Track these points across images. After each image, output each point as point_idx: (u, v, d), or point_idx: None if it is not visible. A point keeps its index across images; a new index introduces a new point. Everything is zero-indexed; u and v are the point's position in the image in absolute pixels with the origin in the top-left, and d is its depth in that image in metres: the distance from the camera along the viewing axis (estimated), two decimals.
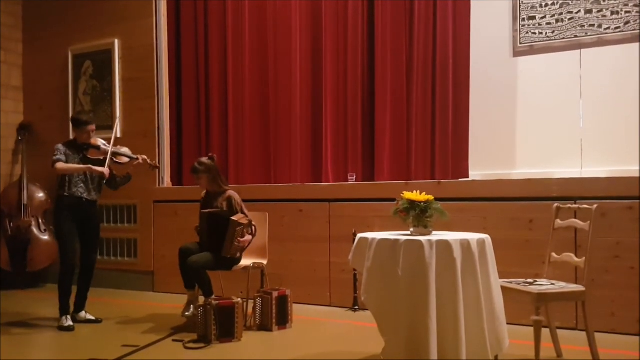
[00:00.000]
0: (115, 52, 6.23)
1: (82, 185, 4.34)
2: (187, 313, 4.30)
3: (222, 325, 3.83)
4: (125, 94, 6.20)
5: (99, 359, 3.45)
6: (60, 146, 4.33)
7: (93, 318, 4.46)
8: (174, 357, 3.57)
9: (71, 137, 4.74)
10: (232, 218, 4.14)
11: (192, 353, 3.64)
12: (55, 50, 6.64)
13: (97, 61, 6.37)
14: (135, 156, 4.57)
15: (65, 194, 4.31)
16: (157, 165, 4.67)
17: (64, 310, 4.33)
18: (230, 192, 4.42)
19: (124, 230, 6.14)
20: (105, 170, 4.28)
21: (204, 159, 4.46)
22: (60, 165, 4.21)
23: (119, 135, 5.98)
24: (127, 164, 4.55)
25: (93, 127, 4.44)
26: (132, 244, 6.10)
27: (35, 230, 6.10)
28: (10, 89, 6.78)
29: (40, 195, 6.26)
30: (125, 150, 4.60)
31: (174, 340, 3.91)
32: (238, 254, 4.29)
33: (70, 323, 4.29)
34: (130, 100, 6.17)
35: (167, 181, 6.04)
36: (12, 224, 6.09)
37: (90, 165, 4.28)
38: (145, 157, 4.60)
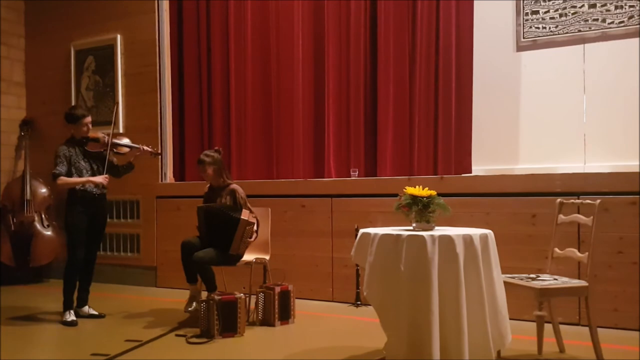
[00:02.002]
0: (117, 47, 6.23)
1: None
2: (189, 308, 4.31)
3: (225, 320, 3.84)
4: (128, 89, 6.20)
5: (102, 354, 3.46)
6: (61, 152, 4.32)
7: (96, 313, 4.48)
8: (176, 351, 3.58)
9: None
10: (242, 217, 4.15)
11: (195, 348, 3.65)
12: (57, 45, 6.64)
13: (100, 56, 6.37)
14: (136, 145, 4.59)
15: (79, 188, 4.32)
16: (159, 151, 4.69)
17: (67, 305, 4.35)
18: (234, 186, 4.42)
19: (126, 225, 6.15)
20: (103, 180, 4.33)
21: (210, 151, 4.48)
22: (61, 180, 4.25)
23: (121, 131, 6.00)
24: (128, 153, 4.58)
25: (89, 119, 4.44)
26: (135, 239, 6.11)
27: (38, 225, 6.11)
28: (13, 84, 6.78)
29: (43, 190, 6.26)
30: (125, 140, 4.62)
31: (176, 335, 3.92)
32: (244, 252, 4.31)
33: (74, 318, 4.30)
34: (132, 96, 6.17)
35: (169, 176, 6.04)
36: (15, 220, 6.10)
37: (89, 178, 4.31)
38: (145, 146, 4.61)
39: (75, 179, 4.30)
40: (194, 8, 6.09)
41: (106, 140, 4.44)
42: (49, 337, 4.06)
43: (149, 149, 4.64)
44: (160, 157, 4.68)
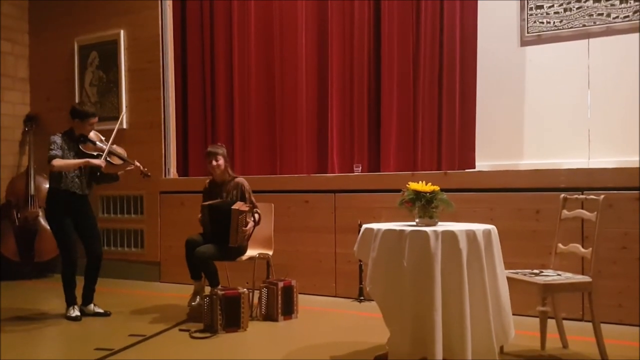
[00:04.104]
0: (121, 43, 6.23)
1: (77, 180, 4.29)
2: (193, 303, 4.32)
3: (228, 315, 3.85)
4: (131, 85, 6.21)
5: (106, 348, 3.47)
6: (56, 139, 4.25)
7: (102, 311, 4.44)
8: (180, 346, 3.59)
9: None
10: (233, 207, 4.15)
11: (199, 342, 3.66)
12: (61, 41, 6.65)
13: (103, 52, 6.38)
14: (129, 160, 4.48)
15: (61, 188, 4.26)
16: (149, 173, 4.58)
17: (70, 301, 4.35)
18: (240, 179, 4.45)
19: (130, 221, 6.17)
20: (102, 162, 4.24)
21: (219, 145, 4.51)
22: (57, 162, 4.13)
23: (124, 127, 6.01)
24: (119, 165, 4.47)
25: (96, 119, 4.39)
26: (138, 234, 6.12)
27: (42, 220, 6.13)
28: (17, 80, 6.80)
29: (47, 185, 6.26)
30: (121, 151, 4.51)
31: (180, 330, 3.93)
32: (245, 242, 4.30)
33: (77, 313, 4.31)
34: (136, 91, 6.17)
35: (173, 172, 6.05)
36: (19, 215, 6.13)
37: (88, 159, 4.22)
38: (138, 163, 4.49)
39: (73, 161, 4.20)
40: (197, 4, 6.09)
41: (103, 145, 4.36)
42: (53, 332, 4.07)
43: (141, 168, 4.49)
44: (149, 177, 4.56)
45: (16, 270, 6.15)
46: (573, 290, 3.25)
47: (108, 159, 4.40)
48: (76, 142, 4.34)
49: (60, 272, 4.37)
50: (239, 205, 4.19)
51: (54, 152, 4.17)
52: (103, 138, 4.47)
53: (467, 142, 4.90)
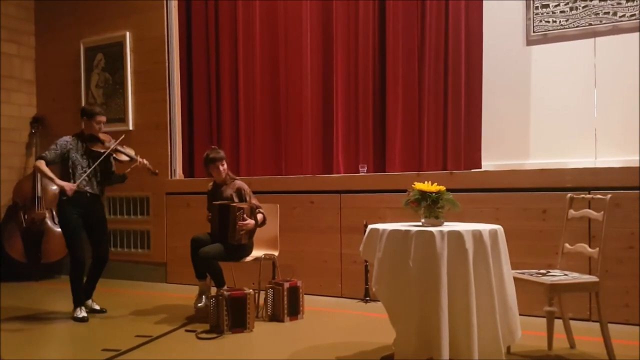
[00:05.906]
0: (126, 45, 6.25)
1: (86, 178, 4.33)
2: (199, 304, 4.33)
3: (234, 315, 3.86)
4: (137, 86, 6.23)
5: (112, 349, 3.48)
6: (60, 141, 4.34)
7: (98, 308, 4.48)
8: (186, 347, 3.59)
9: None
10: (231, 204, 4.18)
11: (205, 343, 3.67)
12: (67, 42, 6.68)
13: (109, 54, 6.40)
14: (135, 157, 4.51)
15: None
16: (156, 172, 4.61)
17: (77, 302, 4.37)
18: (239, 183, 4.45)
19: (136, 222, 6.18)
20: (68, 189, 4.22)
21: (216, 149, 4.52)
22: (40, 163, 4.23)
23: (130, 128, 6.05)
24: (126, 163, 4.51)
25: (104, 118, 4.45)
26: (144, 235, 6.14)
27: (49, 222, 6.16)
28: (24, 82, 6.83)
29: (54, 187, 6.25)
30: (128, 150, 4.56)
31: (186, 331, 3.94)
32: (244, 240, 4.28)
33: (85, 314, 4.32)
34: (141, 93, 6.19)
35: (178, 173, 6.07)
36: (26, 216, 6.15)
37: (56, 180, 4.26)
38: (145, 161, 4.53)
39: (46, 173, 4.24)
40: (202, 4, 6.10)
41: (110, 144, 4.42)
42: (60, 333, 4.09)
43: (148, 166, 4.52)
44: (157, 175, 4.59)
45: (23, 272, 6.17)
46: (580, 290, 3.24)
47: (114, 156, 4.46)
48: (85, 142, 4.40)
49: (68, 273, 4.40)
50: (236, 204, 4.23)
51: (47, 153, 4.30)
52: (113, 140, 4.51)
53: (473, 142, 4.89)
